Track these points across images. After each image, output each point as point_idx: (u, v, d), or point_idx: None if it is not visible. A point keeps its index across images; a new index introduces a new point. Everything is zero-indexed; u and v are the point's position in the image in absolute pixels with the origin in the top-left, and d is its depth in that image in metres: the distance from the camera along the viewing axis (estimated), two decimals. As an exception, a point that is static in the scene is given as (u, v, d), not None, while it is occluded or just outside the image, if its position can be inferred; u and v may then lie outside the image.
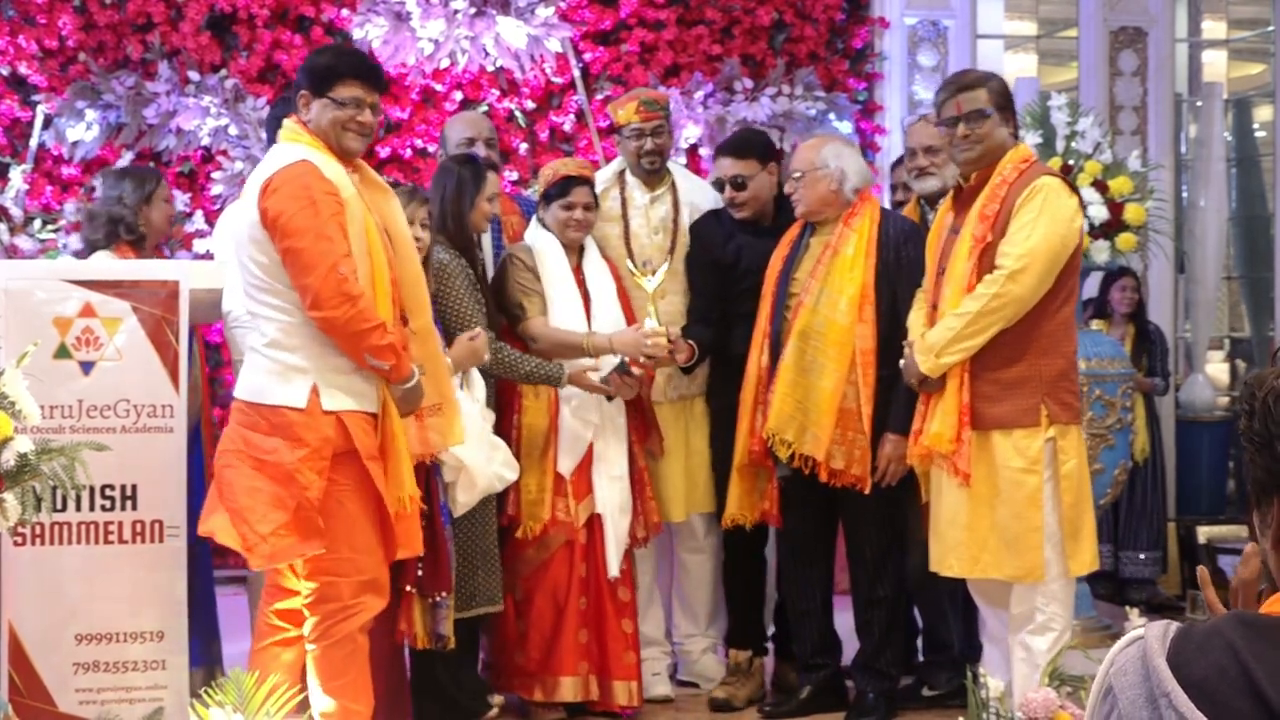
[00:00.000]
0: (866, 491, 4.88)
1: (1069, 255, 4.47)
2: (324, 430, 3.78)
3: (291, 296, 3.79)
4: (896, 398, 4.82)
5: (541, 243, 5.14)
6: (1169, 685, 1.38)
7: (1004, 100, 4.54)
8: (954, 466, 4.46)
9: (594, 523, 5.06)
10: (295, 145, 3.90)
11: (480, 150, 5.31)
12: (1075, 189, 4.59)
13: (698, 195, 5.52)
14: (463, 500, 4.58)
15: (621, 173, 5.53)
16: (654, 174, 5.46)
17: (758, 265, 5.23)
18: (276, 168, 3.83)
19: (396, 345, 3.82)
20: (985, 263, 4.41)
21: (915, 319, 4.71)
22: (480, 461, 4.54)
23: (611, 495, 5.05)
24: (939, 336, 4.44)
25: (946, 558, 4.55)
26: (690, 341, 5.13)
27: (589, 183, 5.16)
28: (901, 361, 4.60)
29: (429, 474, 4.37)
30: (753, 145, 5.38)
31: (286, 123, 3.98)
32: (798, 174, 5.05)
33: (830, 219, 5.05)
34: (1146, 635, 1.46)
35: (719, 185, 5.35)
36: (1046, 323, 4.46)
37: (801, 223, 5.14)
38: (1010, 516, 4.42)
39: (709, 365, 5.36)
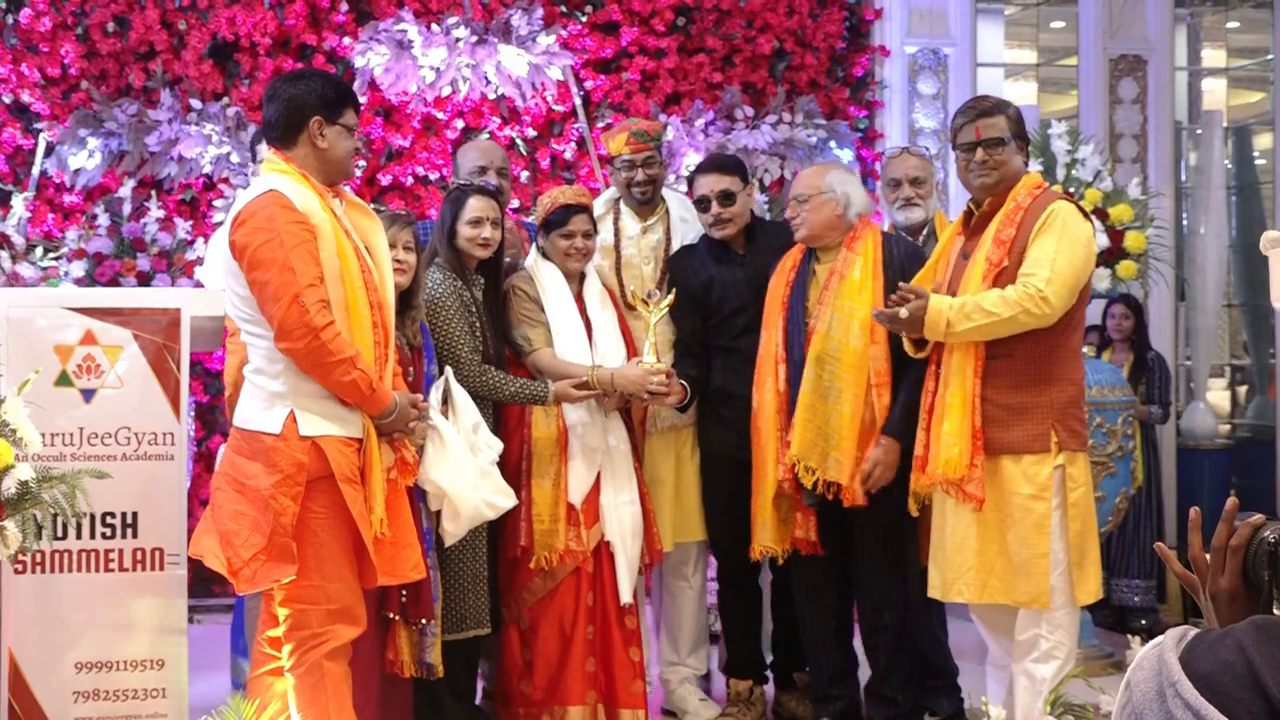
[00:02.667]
0: (913, 512, 4.81)
1: (1088, 278, 4.49)
2: (298, 456, 3.79)
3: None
4: (898, 403, 4.82)
5: (543, 272, 5.13)
6: (1176, 675, 1.45)
7: (1019, 128, 4.58)
8: (964, 492, 4.45)
9: (601, 549, 5.05)
10: (270, 176, 3.92)
11: (492, 179, 5.31)
12: (1086, 215, 4.60)
13: (693, 222, 5.50)
14: (450, 530, 4.56)
15: (617, 200, 5.53)
16: (646, 204, 5.47)
17: (729, 296, 5.24)
18: (245, 201, 3.87)
19: (360, 383, 3.82)
20: (1000, 286, 4.41)
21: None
22: (465, 490, 4.52)
23: (623, 520, 5.03)
24: (958, 321, 4.37)
25: (955, 584, 4.54)
26: (683, 382, 5.12)
27: (587, 210, 5.15)
28: (903, 309, 4.45)
29: (412, 500, 4.36)
30: (735, 163, 5.41)
31: (266, 154, 4.01)
32: (802, 198, 5.04)
33: (832, 244, 5.04)
34: (1165, 636, 1.54)
35: (702, 204, 5.30)
36: (1058, 349, 4.46)
37: (801, 250, 5.15)
38: (1018, 543, 4.41)
39: (698, 403, 5.35)
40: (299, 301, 3.72)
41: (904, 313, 4.44)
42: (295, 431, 3.81)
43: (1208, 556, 1.83)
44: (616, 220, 5.48)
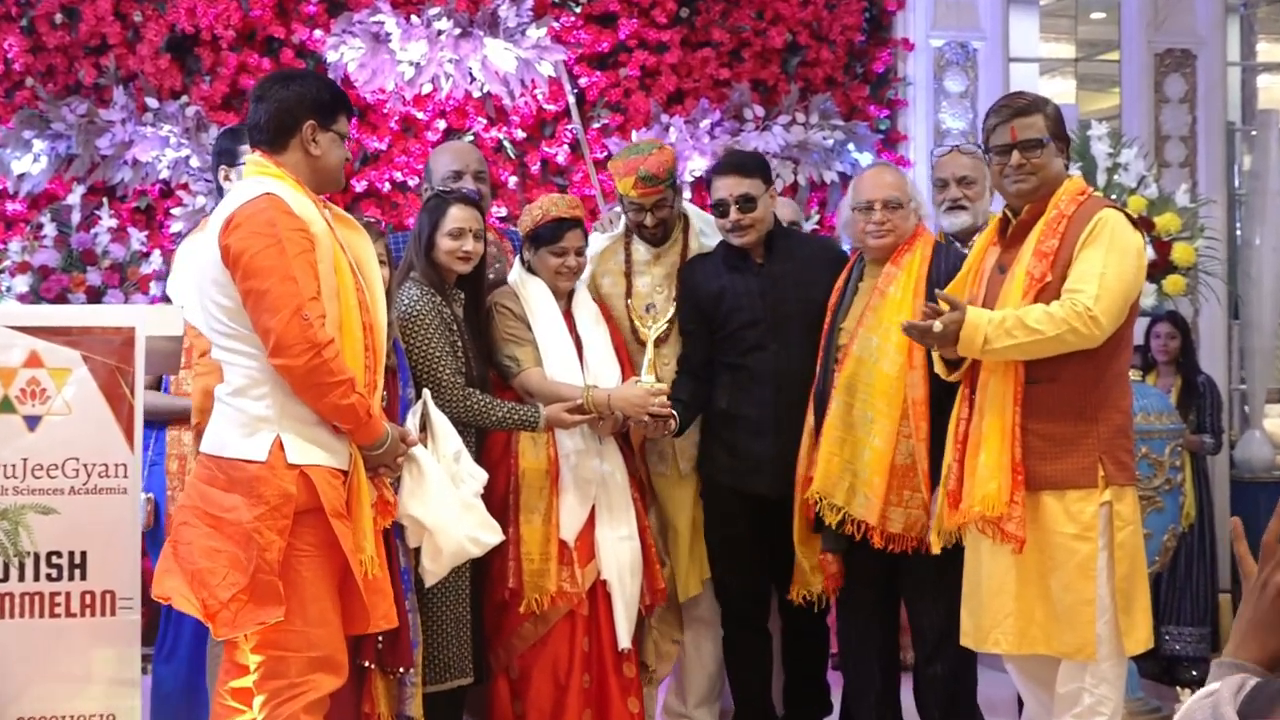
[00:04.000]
0: (935, 552, 4.76)
1: (1138, 294, 4.47)
2: (285, 486, 3.78)
3: (257, 341, 3.82)
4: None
5: (529, 288, 5.12)
6: None
7: (1059, 128, 4.54)
8: (1003, 532, 4.41)
9: (597, 590, 5.04)
10: (261, 179, 3.93)
11: (468, 184, 5.30)
12: (1137, 224, 4.57)
13: (714, 236, 5.44)
14: (431, 569, 4.55)
15: (629, 229, 5.48)
16: (659, 244, 5.42)
17: (740, 307, 5.19)
18: (239, 202, 3.86)
19: (359, 407, 3.83)
20: (1043, 302, 4.37)
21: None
22: (447, 524, 4.51)
23: (620, 557, 5.01)
24: (997, 338, 4.32)
25: (991, 632, 4.50)
26: (672, 411, 5.05)
27: (580, 224, 5.14)
28: (937, 321, 4.39)
29: (388, 538, 4.35)
30: (756, 163, 5.37)
31: (251, 157, 4.02)
32: (895, 203, 4.98)
33: (883, 258, 5.03)
34: (1220, 686, 1.54)
35: (720, 208, 5.23)
36: (1105, 373, 4.43)
37: (849, 265, 5.14)
38: (1061, 588, 4.38)
39: (700, 426, 5.32)
40: (301, 314, 3.72)
41: (938, 325, 4.40)
42: (283, 459, 3.80)
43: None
44: (629, 245, 5.44)
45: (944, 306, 4.42)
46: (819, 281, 5.19)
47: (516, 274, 5.20)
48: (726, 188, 5.21)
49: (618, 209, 5.59)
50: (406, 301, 4.80)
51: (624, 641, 5.02)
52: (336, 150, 4.03)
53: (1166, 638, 7.35)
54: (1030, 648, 4.46)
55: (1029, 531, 4.39)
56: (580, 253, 5.11)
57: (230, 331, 3.86)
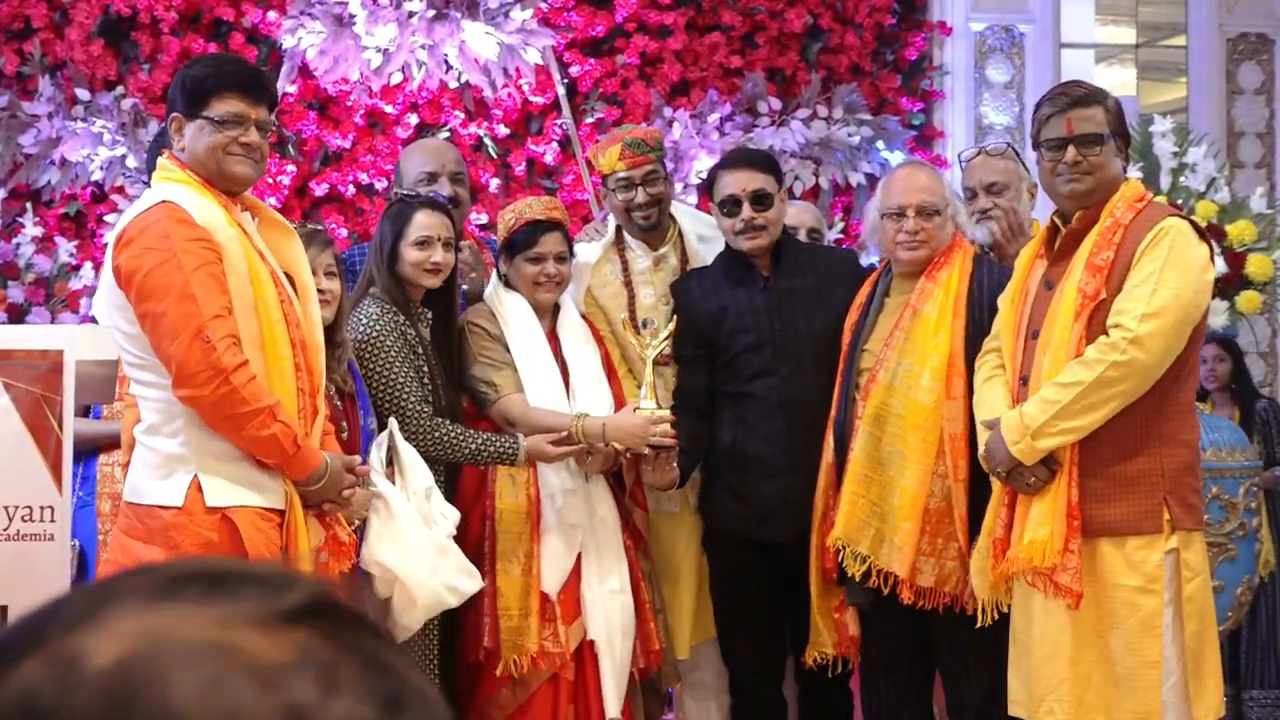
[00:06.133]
0: (970, 612, 4.75)
1: (1200, 316, 4.46)
2: (205, 533, 3.78)
3: (165, 370, 3.81)
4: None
5: (506, 304, 5.11)
6: None
7: (1120, 124, 4.54)
8: (1056, 585, 4.37)
9: (584, 651, 5.02)
10: (163, 185, 3.92)
11: (444, 188, 5.30)
12: (1204, 235, 4.55)
13: (715, 241, 5.46)
14: (403, 623, 4.54)
15: (618, 231, 5.49)
16: (652, 230, 5.41)
17: (745, 327, 5.16)
18: (133, 215, 3.86)
19: (282, 438, 3.81)
20: (1097, 324, 4.35)
21: (989, 394, 4.64)
22: (421, 572, 4.50)
23: (610, 614, 5.00)
24: (1036, 412, 4.33)
25: (1044, 700, 4.45)
26: (676, 443, 4.99)
27: (560, 227, 5.13)
28: (981, 448, 4.49)
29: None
30: (766, 158, 5.40)
31: (160, 160, 4.02)
32: (930, 209, 4.95)
33: (915, 272, 5.01)
34: None
35: (730, 206, 5.16)
36: (1167, 403, 4.40)
37: (873, 281, 5.16)
38: (1122, 648, 4.35)
39: (702, 467, 5.29)
40: (203, 337, 3.71)
41: (982, 450, 4.46)
42: (201, 503, 3.79)
43: None
44: (623, 254, 5.44)
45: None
46: (835, 298, 5.16)
47: (492, 289, 5.19)
48: (738, 183, 5.16)
49: (608, 215, 5.62)
50: (365, 321, 4.80)
51: (612, 711, 4.99)
52: (204, 138, 3.94)
53: (1246, 705, 7.34)
54: (1088, 717, 4.43)
55: (1087, 584, 4.37)
56: (562, 259, 5.09)
57: (137, 361, 3.86)
